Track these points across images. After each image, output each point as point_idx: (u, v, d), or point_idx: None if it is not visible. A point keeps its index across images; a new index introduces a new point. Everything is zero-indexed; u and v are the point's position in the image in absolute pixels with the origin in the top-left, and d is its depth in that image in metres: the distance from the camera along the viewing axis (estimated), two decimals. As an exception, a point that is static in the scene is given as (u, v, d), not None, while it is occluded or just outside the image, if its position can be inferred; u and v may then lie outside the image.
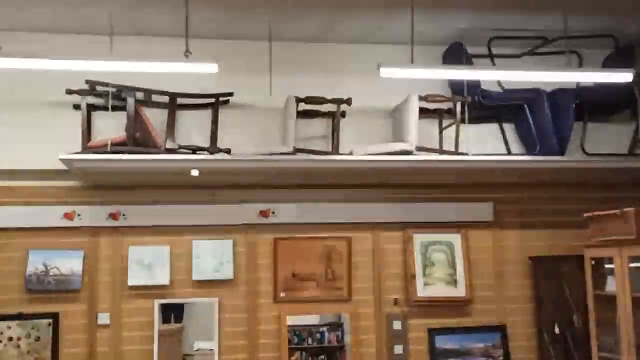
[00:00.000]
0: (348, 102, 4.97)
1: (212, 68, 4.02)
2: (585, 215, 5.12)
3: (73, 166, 4.55)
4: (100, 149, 4.57)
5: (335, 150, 4.94)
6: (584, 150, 5.32)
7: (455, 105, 5.04)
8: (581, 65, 5.36)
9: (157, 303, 5.06)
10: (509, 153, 5.42)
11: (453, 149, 5.00)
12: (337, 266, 5.34)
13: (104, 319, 5.01)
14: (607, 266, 5.01)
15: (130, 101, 4.71)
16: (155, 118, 4.98)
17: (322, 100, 4.95)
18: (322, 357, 5.31)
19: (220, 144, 5.01)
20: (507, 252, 5.56)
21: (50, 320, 4.91)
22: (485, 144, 5.31)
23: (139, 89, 4.87)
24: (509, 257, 5.56)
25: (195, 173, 4.67)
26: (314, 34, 5.18)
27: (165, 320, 5.09)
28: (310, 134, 5.22)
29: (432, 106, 5.22)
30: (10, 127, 4.93)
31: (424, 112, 5.11)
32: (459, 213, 5.52)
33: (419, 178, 5.29)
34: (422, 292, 5.36)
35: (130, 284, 5.06)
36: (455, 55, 5.22)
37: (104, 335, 5.00)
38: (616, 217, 4.79)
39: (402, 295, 5.38)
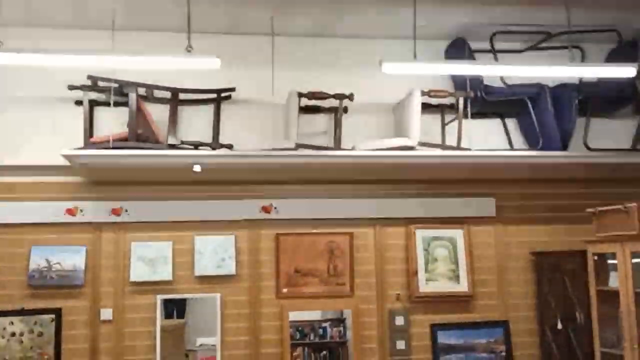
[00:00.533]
0: (350, 97, 4.96)
1: (214, 63, 4.01)
2: (588, 210, 5.11)
3: (75, 162, 4.55)
4: (102, 145, 4.57)
5: (338, 145, 4.93)
6: (586, 145, 5.30)
7: (457, 101, 5.03)
8: (584, 59, 5.35)
9: (160, 298, 5.07)
10: (512, 148, 5.42)
11: (455, 144, 5.00)
12: (339, 261, 5.34)
13: (106, 314, 5.02)
14: (609, 261, 5.00)
15: (132, 96, 4.70)
16: (157, 113, 4.98)
17: (324, 96, 4.94)
18: (324, 352, 5.32)
19: (222, 139, 5.02)
20: (509, 247, 5.56)
21: (53, 316, 4.91)
22: (487, 139, 5.30)
23: (140, 84, 4.87)
24: (511, 253, 5.56)
25: (197, 168, 4.66)
26: (316, 29, 5.18)
27: (168, 315, 5.10)
28: (312, 129, 5.22)
29: (434, 101, 5.21)
30: (12, 122, 4.94)
31: (426, 107, 5.10)
32: (461, 208, 5.51)
33: (421, 173, 5.28)
34: (424, 287, 5.36)
35: (132, 279, 5.07)
36: (458, 50, 5.22)
37: (106, 330, 5.01)
38: (619, 212, 4.78)
39: (404, 291, 5.38)
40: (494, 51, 5.25)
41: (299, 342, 5.26)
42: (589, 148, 5.29)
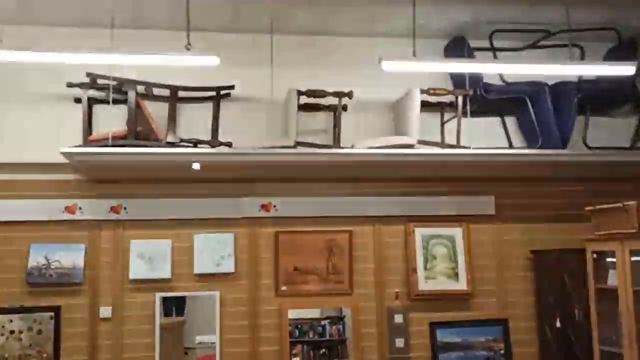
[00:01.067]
0: (349, 95, 4.96)
1: (213, 61, 4.01)
2: (587, 208, 5.11)
3: (74, 159, 4.55)
4: (101, 142, 4.57)
5: (337, 143, 4.93)
6: (585, 143, 5.31)
7: (456, 99, 5.03)
8: (583, 58, 5.33)
9: (159, 296, 5.07)
10: (511, 146, 5.43)
11: (454, 142, 5.00)
12: (338, 259, 5.34)
13: (105, 312, 5.01)
14: (608, 259, 5.00)
15: (131, 94, 4.71)
16: (156, 111, 4.97)
17: (323, 93, 4.94)
18: (323, 350, 5.32)
19: (221, 137, 5.01)
20: (508, 245, 5.56)
21: (52, 314, 4.91)
22: (486, 137, 5.30)
23: (139, 82, 4.87)
24: (510, 251, 5.56)
25: (196, 166, 4.66)
26: (315, 26, 5.17)
27: (167, 313, 5.10)
28: (311, 127, 5.22)
29: (433, 99, 5.21)
30: (11, 120, 4.95)
31: (425, 105, 5.10)
32: (460, 206, 5.52)
33: (420, 171, 5.28)
34: (423, 285, 5.36)
35: (131, 277, 5.07)
36: (457, 48, 5.21)
37: (105, 328, 5.01)
38: (618, 211, 4.78)
39: (403, 289, 5.38)
40: (493, 49, 5.25)
41: (298, 339, 5.26)
42: (588, 146, 5.29)
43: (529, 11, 4.93)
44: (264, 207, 5.30)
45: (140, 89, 4.90)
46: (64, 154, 4.43)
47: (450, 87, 5.26)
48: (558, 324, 5.22)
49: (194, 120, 5.10)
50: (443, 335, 5.31)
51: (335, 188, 5.38)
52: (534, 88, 5.19)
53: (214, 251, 5.18)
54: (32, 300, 4.94)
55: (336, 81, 5.06)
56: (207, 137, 4.99)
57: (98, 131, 4.88)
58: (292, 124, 4.84)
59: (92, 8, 4.71)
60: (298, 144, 4.81)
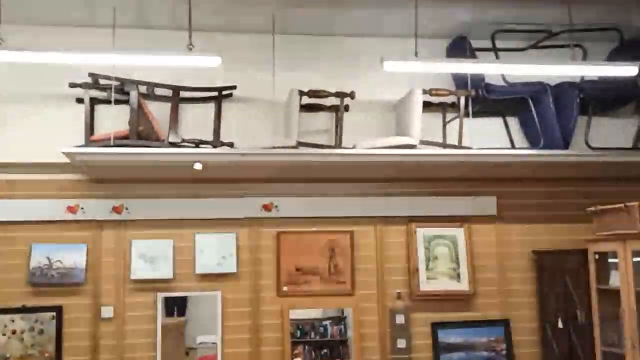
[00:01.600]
0: (351, 95, 4.96)
1: (214, 61, 4.01)
2: (589, 209, 5.10)
3: (76, 159, 4.55)
4: (103, 142, 4.57)
5: (339, 143, 4.93)
6: (587, 144, 5.29)
7: (458, 99, 5.03)
8: (585, 58, 5.33)
9: (160, 296, 5.07)
10: (513, 147, 5.42)
11: (456, 143, 4.99)
12: (340, 260, 5.34)
13: (107, 312, 5.02)
14: (610, 260, 5.00)
15: (133, 94, 4.71)
16: (158, 111, 4.98)
17: (325, 94, 4.94)
18: (325, 350, 5.32)
19: (223, 137, 5.02)
20: (510, 246, 5.55)
21: (54, 314, 4.92)
22: (488, 138, 5.29)
23: (141, 82, 4.88)
24: (512, 251, 5.55)
25: (198, 166, 4.66)
26: (317, 27, 5.17)
27: (168, 313, 5.10)
28: (313, 128, 5.22)
29: (435, 100, 5.21)
30: (13, 120, 4.95)
31: (427, 106, 5.10)
32: (462, 207, 5.51)
33: (422, 172, 5.27)
34: (425, 285, 5.35)
35: (133, 277, 5.07)
36: (459, 48, 5.20)
37: (107, 328, 5.01)
38: (620, 211, 4.78)
39: (405, 289, 5.38)
40: (495, 49, 5.24)
41: (300, 340, 5.26)
42: (590, 147, 5.28)
43: (531, 11, 4.93)
44: (266, 207, 5.30)
45: (142, 89, 4.90)
46: (66, 154, 4.43)
47: (452, 87, 5.25)
48: (560, 325, 5.22)
49: (196, 120, 5.10)
50: (445, 336, 5.31)
51: (337, 188, 5.38)
52: (536, 88, 5.18)
53: (215, 251, 5.18)
54: (34, 300, 4.94)
55: (338, 81, 5.06)
56: (209, 137, 4.99)
57: (100, 131, 4.89)
58: (293, 124, 4.83)
59: (94, 8, 4.71)
60: (300, 144, 4.81)
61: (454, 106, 5.17)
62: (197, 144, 4.88)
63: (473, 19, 5.06)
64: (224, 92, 5.11)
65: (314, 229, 5.34)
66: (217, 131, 5.04)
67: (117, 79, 4.74)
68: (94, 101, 4.93)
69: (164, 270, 5.10)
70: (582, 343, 5.13)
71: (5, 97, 4.96)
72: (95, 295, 5.03)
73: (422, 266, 5.38)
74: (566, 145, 5.11)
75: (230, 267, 5.18)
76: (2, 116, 4.94)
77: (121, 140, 4.58)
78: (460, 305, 5.41)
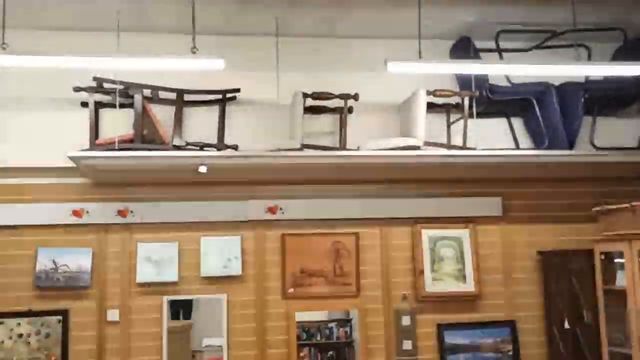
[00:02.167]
0: (355, 97, 4.96)
1: (218, 64, 4.01)
2: (595, 209, 5.09)
3: (81, 163, 4.56)
4: (108, 146, 4.58)
5: (343, 145, 4.93)
6: (592, 143, 5.29)
7: (462, 100, 5.03)
8: (590, 58, 5.32)
9: (166, 299, 5.08)
10: (517, 147, 5.41)
11: (461, 144, 4.99)
12: (345, 262, 5.33)
13: (113, 315, 5.02)
14: (616, 260, 4.98)
15: (137, 98, 4.72)
16: (162, 115, 4.99)
17: (329, 96, 4.94)
18: (331, 352, 5.32)
19: (228, 140, 5.02)
20: (515, 246, 5.54)
21: (60, 317, 4.93)
22: (493, 139, 5.29)
23: (145, 86, 4.88)
24: (517, 252, 5.54)
25: (203, 169, 4.67)
26: (320, 29, 5.17)
27: (174, 316, 5.11)
28: (317, 130, 5.22)
29: (439, 101, 5.20)
30: (18, 124, 4.96)
31: (431, 107, 5.09)
32: (467, 208, 5.50)
33: (426, 173, 5.27)
34: (431, 287, 5.35)
35: (138, 280, 5.07)
36: (463, 49, 5.20)
37: (113, 331, 5.02)
38: (626, 211, 4.76)
39: (411, 291, 5.37)
40: (499, 50, 5.23)
41: (306, 342, 5.26)
42: (595, 147, 5.28)
43: (535, 11, 4.92)
44: (271, 209, 5.30)
45: (147, 92, 4.91)
46: (71, 158, 4.44)
47: (456, 88, 5.25)
48: (566, 325, 5.20)
49: (200, 123, 5.11)
50: (451, 337, 5.30)
51: (342, 190, 5.38)
52: (541, 89, 5.18)
53: (220, 254, 5.18)
54: (40, 303, 4.95)
55: (342, 83, 5.05)
56: (213, 140, 4.99)
57: (105, 135, 4.90)
58: (298, 127, 4.83)
59: (98, 12, 4.72)
60: (304, 146, 4.81)
61: (458, 107, 5.16)
62: (202, 147, 4.89)
63: (477, 19, 5.06)
64: (228, 95, 5.11)
65: (319, 231, 5.32)
66: (221, 134, 5.04)
67: (121, 82, 4.75)
68: (98, 105, 4.94)
69: (170, 274, 5.10)
70: (588, 343, 5.11)
71: (10, 101, 4.97)
72: (101, 299, 5.04)
73: (427, 267, 5.37)
74: (571, 146, 5.10)
75: (235, 269, 5.18)
76: (7, 120, 4.96)
77: (126, 143, 4.59)
78: (466, 306, 5.40)
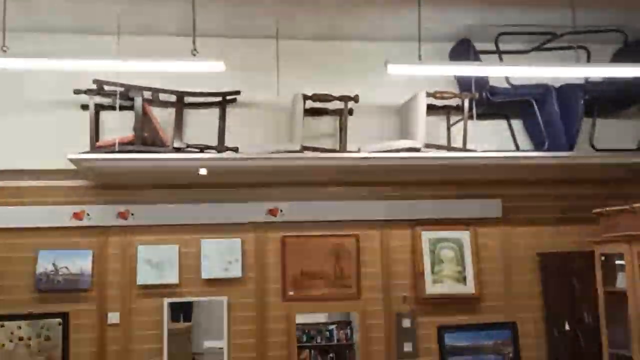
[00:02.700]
0: (355, 99, 4.96)
1: (218, 66, 4.01)
2: (595, 210, 5.09)
3: (81, 166, 4.56)
4: (109, 148, 4.58)
5: (343, 147, 4.93)
6: (592, 145, 5.29)
7: (462, 102, 5.03)
8: (589, 60, 5.32)
9: (166, 302, 5.07)
10: (517, 149, 5.41)
11: (461, 146, 4.99)
12: (345, 264, 5.33)
13: (113, 318, 5.03)
14: (617, 262, 4.98)
15: (138, 100, 4.72)
16: (163, 117, 5.00)
17: (329, 98, 4.94)
18: (331, 355, 5.31)
19: (228, 142, 5.02)
20: (515, 248, 5.54)
21: (60, 320, 4.92)
22: (493, 140, 5.29)
23: (146, 88, 4.88)
24: (517, 254, 5.54)
25: (203, 172, 4.67)
26: (320, 31, 5.17)
27: (174, 319, 5.10)
28: (317, 132, 5.22)
29: (439, 102, 5.21)
30: (18, 127, 4.96)
31: (431, 109, 5.10)
32: (467, 210, 5.50)
33: (426, 175, 5.27)
34: (431, 289, 5.34)
35: (139, 283, 5.07)
36: (463, 51, 5.20)
37: (113, 334, 5.02)
38: (626, 213, 4.76)
39: (411, 293, 5.37)
40: (499, 52, 5.24)
41: (306, 344, 5.26)
42: (595, 148, 5.28)
43: (535, 13, 4.92)
44: (271, 211, 5.30)
45: (147, 95, 4.91)
46: (72, 160, 4.45)
47: (456, 90, 5.25)
48: (567, 327, 5.20)
49: (201, 125, 5.11)
50: (451, 339, 5.30)
51: (342, 192, 5.38)
52: (540, 90, 5.18)
53: (221, 256, 5.18)
54: (40, 306, 4.95)
55: (342, 85, 5.05)
56: (213, 142, 4.99)
57: (105, 137, 4.90)
58: (298, 129, 4.84)
59: (99, 15, 4.72)
60: (304, 148, 4.81)
61: (458, 109, 5.17)
62: (202, 149, 4.89)
63: (476, 21, 5.06)
64: (228, 97, 5.11)
65: (319, 233, 5.32)
66: (221, 136, 5.04)
67: (121, 85, 4.76)
68: (98, 107, 4.94)
69: (170, 276, 5.11)
70: (589, 345, 5.12)
71: (10, 103, 4.97)
72: (101, 301, 5.04)
73: (427, 269, 5.37)
74: (571, 147, 5.10)
75: (236, 272, 5.18)
76: (7, 123, 4.96)
77: (126, 146, 4.59)
78: (467, 308, 5.40)
